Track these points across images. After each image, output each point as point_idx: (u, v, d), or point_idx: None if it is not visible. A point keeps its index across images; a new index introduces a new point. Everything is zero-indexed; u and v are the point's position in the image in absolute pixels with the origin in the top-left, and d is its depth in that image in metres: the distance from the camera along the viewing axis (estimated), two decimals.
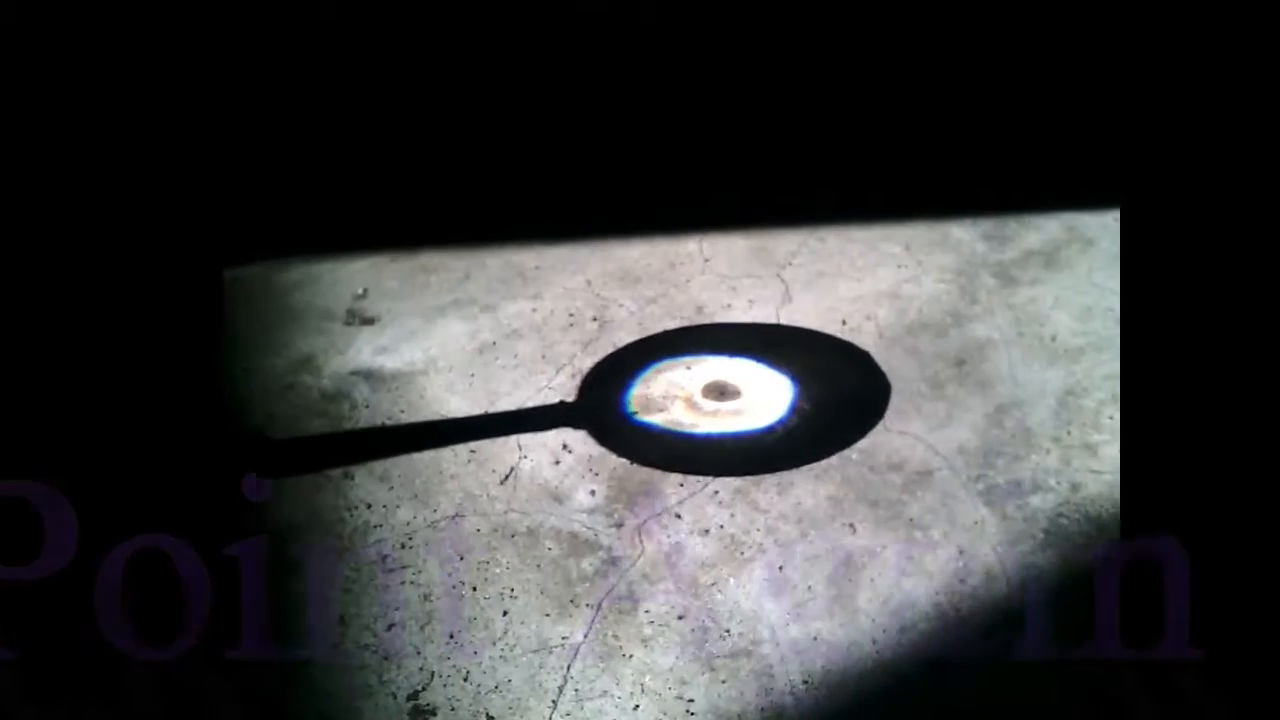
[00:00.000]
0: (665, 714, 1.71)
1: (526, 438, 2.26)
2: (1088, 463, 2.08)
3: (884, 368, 2.36)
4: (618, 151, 3.17)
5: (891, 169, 3.01)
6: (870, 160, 3.04)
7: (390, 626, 1.89)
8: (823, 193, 2.93)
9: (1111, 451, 2.09)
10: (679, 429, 2.25)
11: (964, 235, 2.75)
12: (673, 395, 2.32)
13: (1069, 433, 2.15)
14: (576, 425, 2.27)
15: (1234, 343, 0.96)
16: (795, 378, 2.35)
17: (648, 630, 1.85)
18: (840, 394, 2.31)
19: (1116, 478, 2.03)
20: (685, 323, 2.53)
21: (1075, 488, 2.04)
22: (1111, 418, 2.16)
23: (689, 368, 2.39)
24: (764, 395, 2.32)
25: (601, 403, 2.32)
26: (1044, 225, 2.79)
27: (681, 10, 3.55)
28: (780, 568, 1.94)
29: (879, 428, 2.21)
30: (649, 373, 2.38)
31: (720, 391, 2.32)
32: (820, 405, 2.29)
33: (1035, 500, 2.02)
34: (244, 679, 1.82)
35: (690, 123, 3.25)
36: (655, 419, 2.25)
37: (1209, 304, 0.97)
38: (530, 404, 2.34)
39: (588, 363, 2.43)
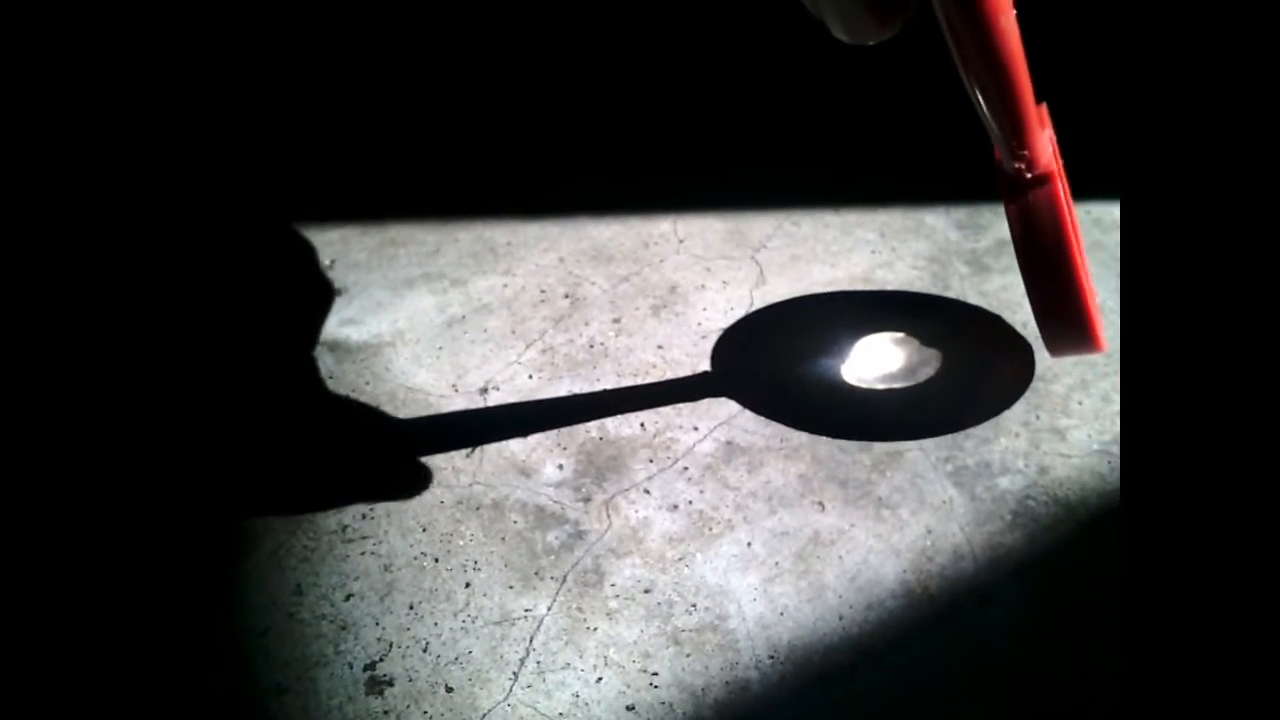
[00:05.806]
0: (629, 686, 1.68)
1: (494, 411, 2.23)
2: (1056, 446, 2.08)
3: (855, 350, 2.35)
4: (592, 130, 3.14)
5: (867, 156, 3.00)
6: (846, 147, 3.03)
7: (349, 597, 1.85)
8: (798, 178, 2.92)
9: (1079, 436, 2.09)
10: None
11: (937, 223, 2.75)
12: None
13: (1038, 417, 2.15)
14: (546, 400, 2.24)
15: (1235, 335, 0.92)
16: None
17: (613, 604, 1.82)
18: (810, 375, 2.30)
19: (1084, 461, 2.04)
20: (658, 302, 2.50)
21: (1043, 471, 2.04)
22: (1080, 403, 2.16)
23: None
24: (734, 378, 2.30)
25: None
26: None
27: None
28: (749, 544, 1.92)
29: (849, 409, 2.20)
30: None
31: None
32: (792, 386, 2.28)
33: (1004, 482, 2.02)
34: (198, 648, 1.78)
35: (665, 105, 3.23)
36: None
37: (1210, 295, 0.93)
38: (499, 378, 2.30)
39: (558, 339, 2.40)
